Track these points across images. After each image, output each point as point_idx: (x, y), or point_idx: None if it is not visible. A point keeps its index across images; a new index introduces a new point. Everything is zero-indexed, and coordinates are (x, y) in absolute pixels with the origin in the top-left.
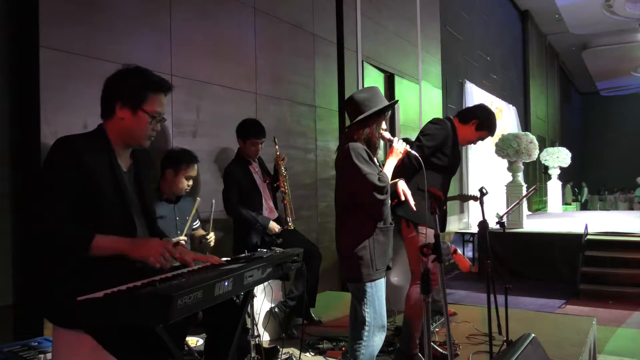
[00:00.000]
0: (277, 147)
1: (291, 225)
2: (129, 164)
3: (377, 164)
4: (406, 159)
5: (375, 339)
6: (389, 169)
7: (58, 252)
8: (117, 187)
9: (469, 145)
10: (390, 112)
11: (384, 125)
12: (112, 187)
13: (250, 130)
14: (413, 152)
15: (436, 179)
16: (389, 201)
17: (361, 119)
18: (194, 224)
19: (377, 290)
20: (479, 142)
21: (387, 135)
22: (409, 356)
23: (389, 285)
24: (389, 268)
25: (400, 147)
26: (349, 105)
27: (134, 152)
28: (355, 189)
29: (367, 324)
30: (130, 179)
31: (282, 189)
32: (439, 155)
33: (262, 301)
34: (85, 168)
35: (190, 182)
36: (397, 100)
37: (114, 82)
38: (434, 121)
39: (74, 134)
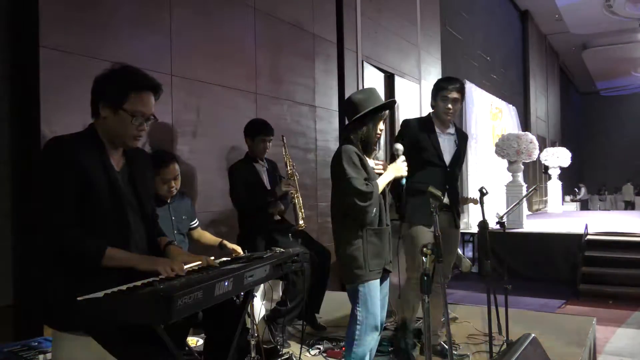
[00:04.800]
0: (285, 146)
1: (302, 224)
2: (122, 163)
3: (372, 166)
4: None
5: (367, 339)
6: (382, 182)
7: (71, 262)
8: (109, 186)
9: (469, 145)
10: (388, 112)
11: (381, 125)
12: (105, 186)
13: (259, 128)
14: (403, 182)
15: (432, 174)
16: (374, 209)
17: (358, 119)
18: (192, 223)
19: (371, 291)
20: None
21: (400, 149)
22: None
23: (390, 285)
24: (386, 271)
25: (403, 168)
26: (347, 106)
27: (127, 152)
28: (342, 191)
29: (359, 323)
30: (123, 178)
31: (290, 188)
32: (417, 152)
33: (262, 301)
34: (79, 167)
35: (173, 184)
36: (394, 100)
37: (97, 81)
38: (403, 124)
39: (66, 134)
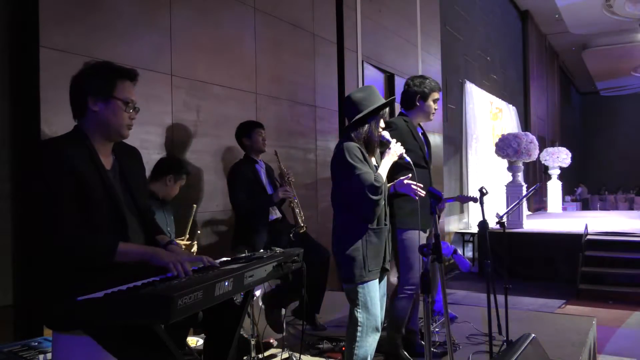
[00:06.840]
0: (279, 160)
1: (303, 226)
2: (111, 160)
3: (374, 164)
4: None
5: (368, 340)
6: (384, 170)
7: (82, 262)
8: (102, 185)
9: (469, 146)
10: (388, 111)
11: (382, 123)
12: (98, 185)
13: (251, 124)
14: (407, 158)
15: (419, 176)
16: (383, 202)
17: (359, 118)
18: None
19: (370, 291)
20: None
21: (386, 135)
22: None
23: (389, 285)
24: (385, 270)
25: (397, 150)
26: (346, 105)
27: (115, 148)
28: (349, 188)
29: (359, 324)
30: (115, 175)
31: (288, 194)
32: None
33: (262, 301)
34: (73, 168)
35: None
36: (394, 98)
37: (79, 79)
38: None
39: (54, 136)
